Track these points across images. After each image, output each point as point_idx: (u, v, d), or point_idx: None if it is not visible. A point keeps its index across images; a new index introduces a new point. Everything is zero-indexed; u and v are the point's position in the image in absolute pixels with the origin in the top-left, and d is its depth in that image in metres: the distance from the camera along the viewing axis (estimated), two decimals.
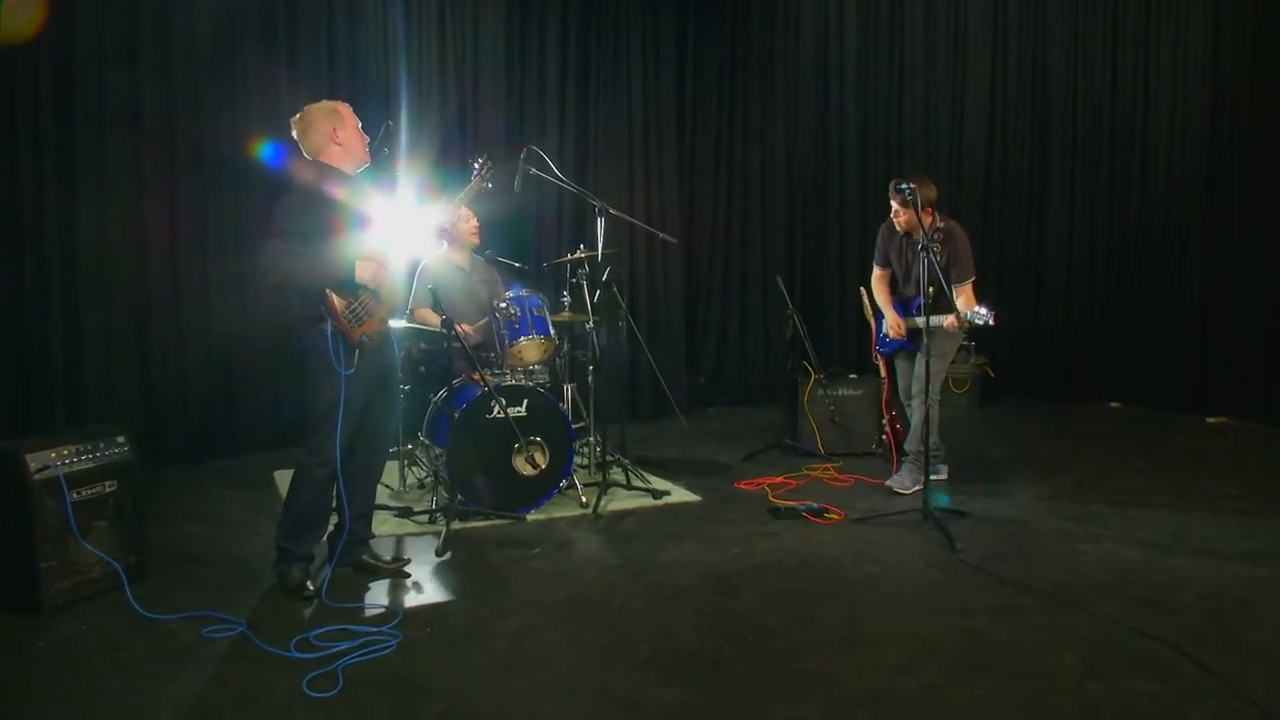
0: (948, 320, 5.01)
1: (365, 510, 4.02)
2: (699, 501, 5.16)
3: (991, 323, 4.79)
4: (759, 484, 5.44)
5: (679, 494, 5.28)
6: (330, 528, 3.96)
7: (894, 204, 5.18)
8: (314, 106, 3.80)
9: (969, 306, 4.90)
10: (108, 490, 3.71)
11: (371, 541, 4.09)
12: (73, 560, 3.56)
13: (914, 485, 5.14)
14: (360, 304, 3.64)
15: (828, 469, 5.78)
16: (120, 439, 3.82)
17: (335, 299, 3.58)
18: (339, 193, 3.68)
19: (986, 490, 5.26)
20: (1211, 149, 7.34)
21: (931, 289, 4.86)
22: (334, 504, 3.89)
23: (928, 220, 5.00)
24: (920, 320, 4.89)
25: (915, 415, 5.25)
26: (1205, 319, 7.40)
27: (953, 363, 5.38)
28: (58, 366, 5.46)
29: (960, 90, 8.79)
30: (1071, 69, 8.26)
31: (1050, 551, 4.23)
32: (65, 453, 3.58)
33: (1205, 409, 7.33)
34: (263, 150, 5.86)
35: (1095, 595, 3.66)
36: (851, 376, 6.38)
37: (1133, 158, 7.89)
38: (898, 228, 5.27)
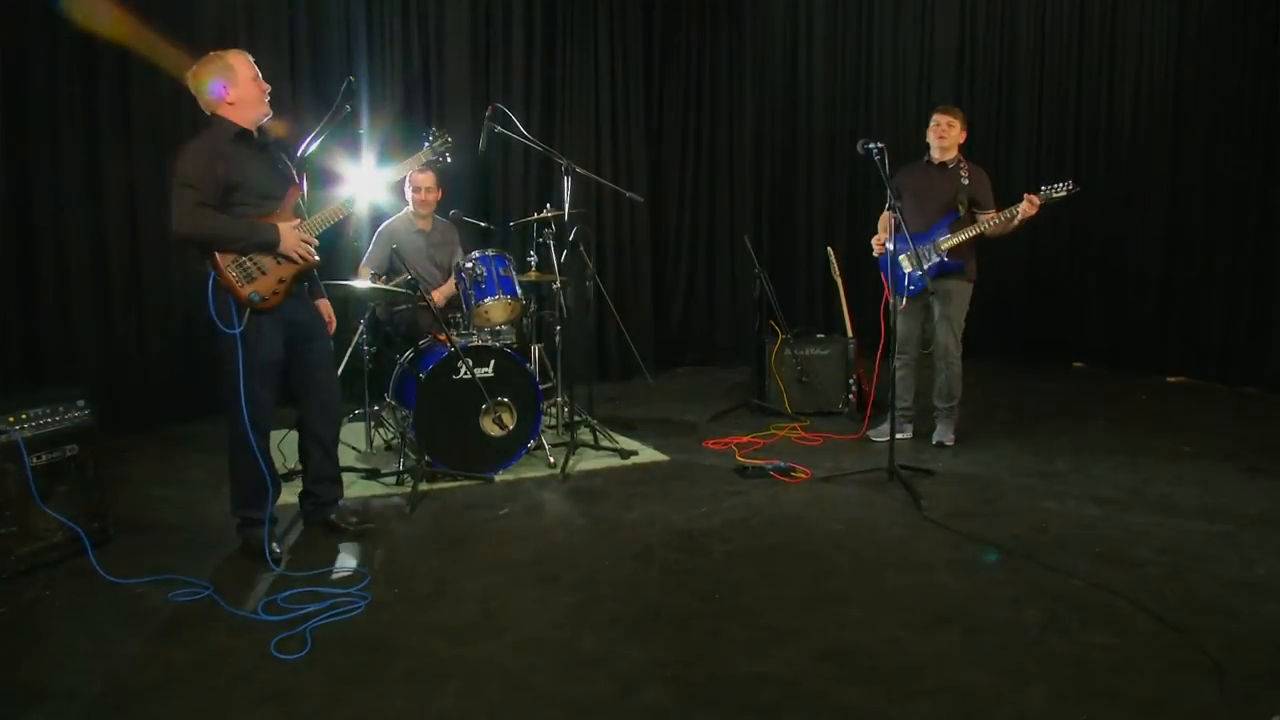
0: (1022, 205, 5.03)
1: (327, 473, 3.98)
2: (667, 461, 5.18)
3: (1073, 187, 4.99)
4: (726, 443, 5.47)
5: (647, 454, 5.29)
6: (289, 490, 3.94)
7: (942, 119, 5.19)
8: (206, 61, 3.63)
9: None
10: (69, 454, 3.66)
11: (340, 503, 4.07)
12: (34, 526, 3.52)
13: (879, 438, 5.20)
14: (251, 260, 3.53)
15: (795, 428, 5.82)
16: (80, 402, 3.76)
17: (219, 256, 3.48)
18: (239, 150, 3.58)
19: (951, 448, 5.32)
20: (1175, 120, 7.39)
21: (961, 208, 5.08)
22: (299, 463, 3.89)
23: (962, 137, 5.24)
24: (948, 240, 5.10)
25: (936, 373, 5.34)
26: (1166, 281, 7.50)
27: (924, 322, 5.39)
28: (13, 328, 5.36)
29: (929, 51, 8.79)
30: (1039, 18, 8.30)
31: (1013, 508, 4.30)
32: (24, 417, 3.53)
33: (1165, 368, 7.45)
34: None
35: (1056, 551, 3.72)
36: (819, 336, 6.39)
37: (1098, 124, 7.94)
38: (939, 151, 5.22)
